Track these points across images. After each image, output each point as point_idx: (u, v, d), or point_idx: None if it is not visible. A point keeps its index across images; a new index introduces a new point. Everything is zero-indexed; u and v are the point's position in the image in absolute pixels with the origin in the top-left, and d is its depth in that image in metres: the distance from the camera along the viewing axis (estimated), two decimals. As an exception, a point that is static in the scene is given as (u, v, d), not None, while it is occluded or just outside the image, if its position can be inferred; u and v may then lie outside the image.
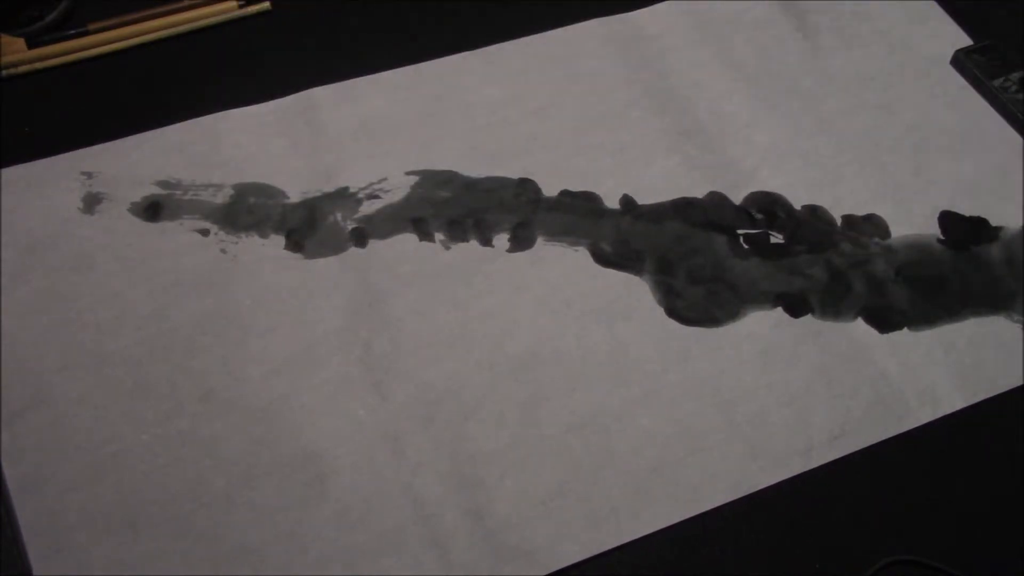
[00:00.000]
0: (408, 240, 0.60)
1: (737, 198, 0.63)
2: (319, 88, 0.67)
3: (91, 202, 0.61)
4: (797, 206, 0.63)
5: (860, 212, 0.63)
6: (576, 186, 0.63)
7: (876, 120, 0.68)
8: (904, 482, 0.53)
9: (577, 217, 0.62)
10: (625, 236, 0.61)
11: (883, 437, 0.54)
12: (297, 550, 0.49)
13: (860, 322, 0.58)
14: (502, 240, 0.61)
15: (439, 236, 0.61)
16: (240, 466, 0.52)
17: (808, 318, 0.58)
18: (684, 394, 0.55)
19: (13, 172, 0.62)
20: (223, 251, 0.59)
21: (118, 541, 0.49)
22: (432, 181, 0.63)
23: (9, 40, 0.67)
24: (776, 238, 0.62)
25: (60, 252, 0.59)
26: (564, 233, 0.61)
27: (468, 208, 0.62)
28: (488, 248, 0.60)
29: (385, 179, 0.63)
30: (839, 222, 0.63)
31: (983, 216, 0.63)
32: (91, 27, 0.69)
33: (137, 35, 0.69)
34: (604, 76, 0.69)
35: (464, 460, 0.52)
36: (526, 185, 0.63)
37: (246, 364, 0.55)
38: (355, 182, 0.63)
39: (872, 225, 0.62)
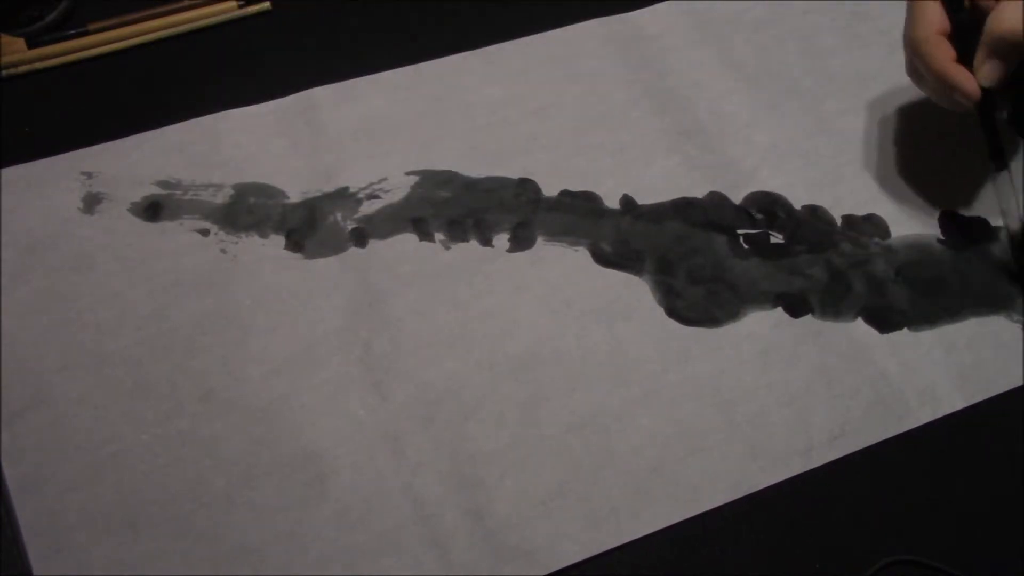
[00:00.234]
0: (408, 240, 0.60)
1: (737, 198, 0.63)
2: (319, 88, 0.67)
3: (91, 202, 0.61)
4: (797, 206, 0.63)
5: (860, 212, 0.63)
6: (576, 186, 0.63)
7: (876, 120, 0.68)
8: (904, 482, 0.53)
9: (577, 217, 0.62)
10: (625, 236, 0.61)
11: (883, 437, 0.54)
12: (297, 550, 0.49)
13: (860, 322, 0.58)
14: (502, 240, 0.61)
15: (439, 236, 0.61)
16: (240, 466, 0.52)
17: (808, 318, 0.58)
18: (684, 394, 0.55)
19: (13, 172, 0.62)
20: (223, 251, 0.59)
21: (118, 541, 0.49)
22: (432, 181, 0.63)
23: (9, 40, 0.67)
24: (776, 238, 0.62)
25: (60, 252, 0.59)
26: (564, 233, 0.61)
27: (468, 208, 0.62)
28: (488, 248, 0.60)
29: (385, 179, 0.63)
30: (839, 222, 0.63)
31: (983, 216, 0.63)
32: (91, 27, 0.69)
33: (137, 35, 0.69)
34: (604, 76, 0.69)
35: (464, 460, 0.52)
36: (526, 185, 0.63)
37: (246, 364, 0.55)
38: (355, 182, 0.63)
39: (872, 225, 0.62)
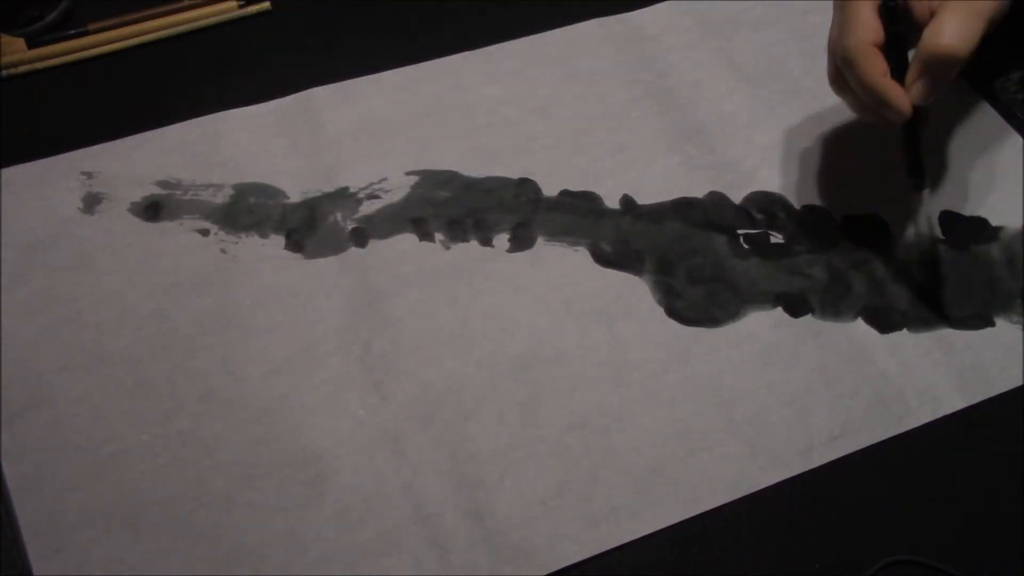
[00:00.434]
0: (408, 240, 0.60)
1: (737, 198, 0.63)
2: (319, 88, 0.67)
3: (91, 202, 0.61)
4: (797, 206, 0.63)
5: (860, 212, 0.63)
6: (576, 186, 0.63)
7: (876, 120, 0.67)
8: (904, 482, 0.53)
9: (577, 217, 0.62)
10: (625, 236, 0.61)
11: (883, 437, 0.54)
12: (297, 550, 0.49)
13: (860, 322, 0.58)
14: (502, 240, 0.61)
15: (439, 236, 0.61)
16: (240, 466, 0.52)
17: (808, 318, 0.58)
18: (684, 394, 0.55)
19: (13, 172, 0.62)
20: (223, 251, 0.59)
21: (118, 541, 0.49)
22: (432, 181, 0.63)
23: (9, 40, 0.67)
24: (776, 238, 0.62)
25: (60, 252, 0.59)
26: (564, 233, 0.61)
27: (468, 208, 0.62)
28: (488, 248, 0.60)
29: (385, 179, 0.63)
30: (839, 222, 0.62)
31: (983, 216, 0.63)
32: (91, 27, 0.69)
33: (137, 35, 0.69)
34: (604, 76, 0.69)
35: (464, 460, 0.52)
36: (526, 185, 0.63)
37: (246, 364, 0.55)
38: (355, 182, 0.63)
39: (872, 225, 0.62)
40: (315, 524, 0.50)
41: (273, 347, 0.56)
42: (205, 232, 0.60)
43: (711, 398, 0.55)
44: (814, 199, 0.63)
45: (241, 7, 0.71)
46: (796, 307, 0.59)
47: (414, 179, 0.63)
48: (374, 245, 0.60)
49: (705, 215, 0.62)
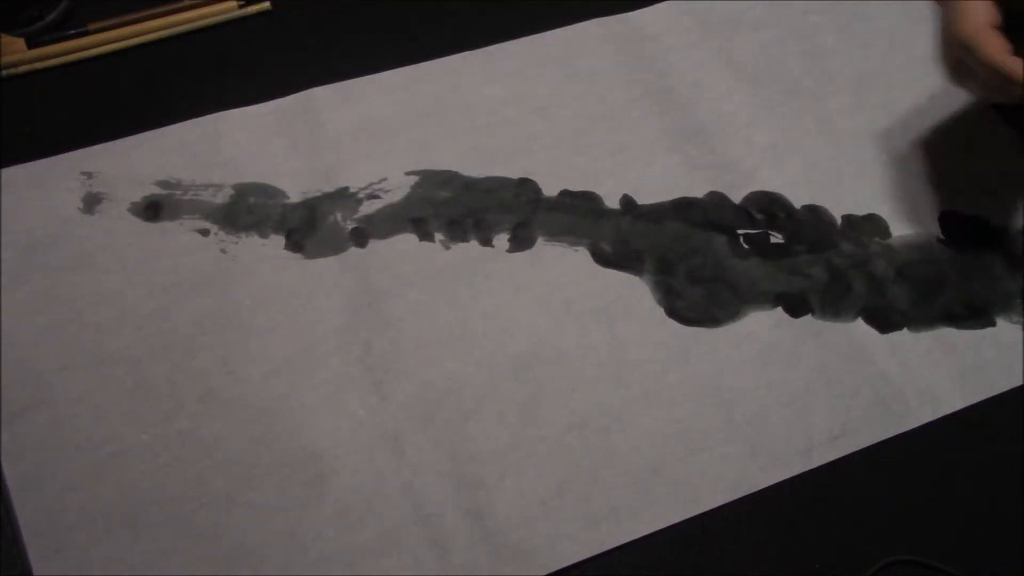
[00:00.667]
0: (408, 240, 0.60)
1: (737, 198, 0.63)
2: (319, 88, 0.67)
3: (91, 202, 0.61)
4: (797, 206, 0.63)
5: (860, 212, 0.63)
6: (576, 186, 0.63)
7: (876, 120, 0.68)
8: (904, 482, 0.53)
9: (577, 217, 0.62)
10: (625, 236, 0.61)
11: (883, 437, 0.54)
12: (297, 550, 0.49)
13: (860, 322, 0.58)
14: (502, 240, 0.61)
15: (439, 236, 0.61)
16: (240, 466, 0.52)
17: (808, 318, 0.58)
18: (684, 394, 0.55)
19: (13, 172, 0.62)
20: (223, 251, 0.59)
21: (118, 541, 0.49)
22: (432, 181, 0.63)
23: (9, 40, 0.67)
24: (776, 238, 0.62)
25: (60, 252, 0.59)
26: (564, 233, 0.61)
27: (468, 208, 0.62)
28: (488, 248, 0.60)
29: (385, 179, 0.63)
30: (839, 222, 0.63)
31: (983, 216, 0.63)
32: (91, 27, 0.69)
33: (137, 35, 0.69)
34: (604, 76, 0.69)
35: (464, 460, 0.52)
36: (526, 185, 0.63)
37: (246, 364, 0.55)
38: (355, 182, 0.63)
39: (872, 225, 0.62)
40: (315, 524, 0.50)
41: (273, 347, 0.56)
42: (205, 232, 0.60)
43: (711, 398, 0.55)
44: (814, 199, 0.63)
45: (241, 7, 0.71)
46: (796, 307, 0.59)
47: (414, 179, 0.63)
48: (374, 245, 0.60)
49: (705, 215, 0.62)
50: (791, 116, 0.68)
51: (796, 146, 0.66)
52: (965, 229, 0.63)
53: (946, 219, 0.63)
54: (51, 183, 0.61)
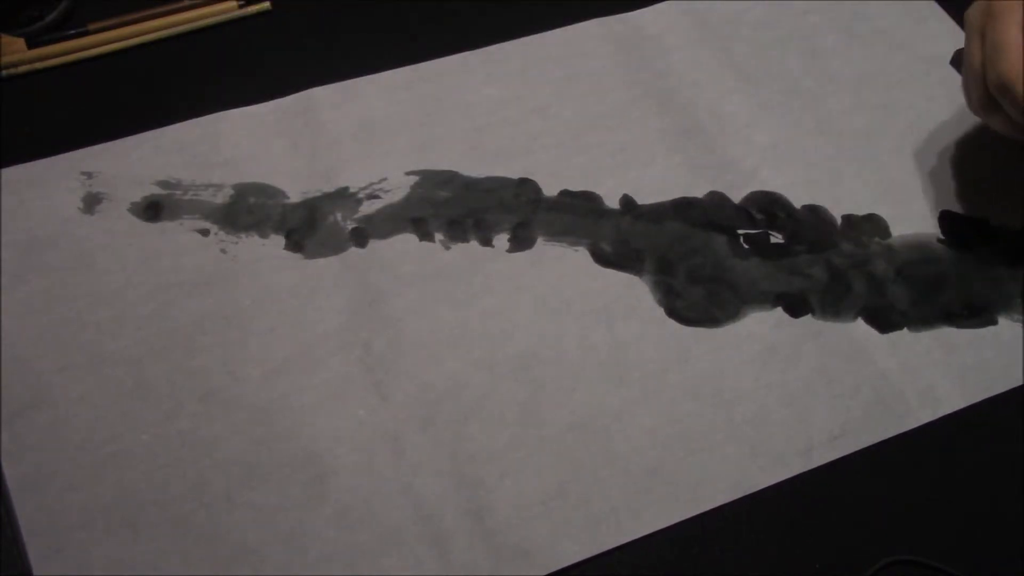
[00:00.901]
0: (408, 240, 0.60)
1: (737, 198, 0.63)
2: (319, 88, 0.67)
3: (91, 202, 0.61)
4: (797, 206, 0.63)
5: (860, 212, 0.63)
6: (576, 186, 0.63)
7: (876, 120, 0.68)
8: (904, 482, 0.53)
9: (577, 217, 0.62)
10: (625, 236, 0.61)
11: (883, 437, 0.54)
12: (297, 550, 0.49)
13: (860, 322, 0.58)
14: (502, 240, 0.61)
15: (439, 236, 0.61)
16: (240, 466, 0.52)
17: (808, 318, 0.58)
18: (684, 394, 0.55)
19: (13, 172, 0.62)
20: (223, 251, 0.59)
21: (118, 541, 0.49)
22: (432, 181, 0.63)
23: (9, 40, 0.67)
24: (776, 238, 0.62)
25: (60, 252, 0.59)
26: (564, 233, 0.61)
27: (468, 208, 0.62)
28: (488, 248, 0.60)
29: (385, 179, 0.63)
30: (839, 222, 0.63)
31: (983, 216, 0.63)
32: (91, 27, 0.69)
33: (137, 35, 0.69)
34: (604, 76, 0.69)
35: (464, 460, 0.52)
36: (526, 185, 0.63)
37: (246, 364, 0.55)
38: (355, 182, 0.63)
39: (872, 225, 0.62)
40: (315, 524, 0.50)
41: (273, 347, 0.56)
42: (205, 232, 0.60)
43: (711, 398, 0.55)
44: (814, 199, 0.63)
45: (241, 7, 0.71)
46: (796, 307, 0.59)
47: (414, 179, 0.63)
48: (374, 245, 0.60)
49: (705, 215, 0.62)
50: (791, 116, 0.68)
51: (796, 146, 0.66)
52: (965, 229, 0.63)
53: (946, 219, 0.63)
54: (51, 183, 0.61)
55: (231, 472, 0.51)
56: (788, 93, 0.69)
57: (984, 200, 0.64)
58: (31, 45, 0.68)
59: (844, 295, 0.59)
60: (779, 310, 0.59)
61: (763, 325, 0.58)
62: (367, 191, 0.62)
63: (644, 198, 0.63)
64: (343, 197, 0.62)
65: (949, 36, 0.72)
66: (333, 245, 0.60)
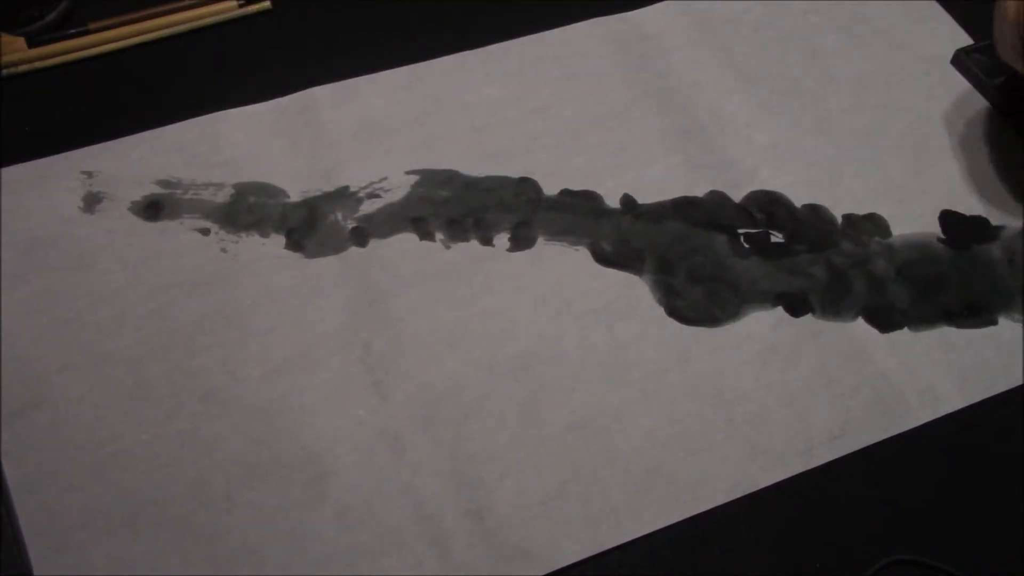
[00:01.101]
0: (408, 240, 0.60)
1: (737, 197, 0.63)
2: (319, 88, 0.67)
3: (91, 201, 0.61)
4: (797, 205, 0.63)
5: (860, 212, 0.63)
6: (576, 185, 0.63)
7: (876, 120, 0.68)
8: (904, 482, 0.53)
9: (577, 216, 0.62)
10: (625, 235, 0.61)
11: (883, 437, 0.54)
12: (297, 550, 0.49)
13: (860, 322, 0.58)
14: (502, 240, 0.61)
15: (439, 236, 0.61)
16: (240, 466, 0.52)
17: (808, 318, 0.58)
18: (684, 394, 0.55)
19: (13, 172, 0.62)
20: (223, 250, 0.59)
21: (118, 541, 0.49)
22: (432, 180, 0.63)
23: (9, 39, 0.67)
24: (776, 237, 0.62)
25: (60, 252, 0.59)
26: (564, 232, 0.61)
27: (468, 207, 0.62)
28: (488, 248, 0.60)
29: (385, 178, 0.63)
30: (839, 221, 0.63)
31: (983, 216, 0.63)
32: (91, 26, 0.69)
33: (137, 35, 0.69)
34: (604, 76, 0.69)
35: (464, 460, 0.52)
36: (526, 184, 0.63)
37: (246, 364, 0.55)
38: (355, 181, 0.63)
39: (872, 224, 0.62)
40: (315, 524, 0.50)
41: (273, 347, 0.56)
42: (205, 231, 0.60)
43: (711, 398, 0.55)
44: (814, 199, 0.63)
45: (241, 7, 0.71)
46: (796, 307, 0.59)
47: (414, 178, 0.63)
48: (374, 244, 0.60)
49: (705, 214, 0.62)
50: (791, 116, 0.68)
51: (796, 146, 0.66)
52: (965, 229, 0.63)
53: (946, 219, 0.63)
54: (51, 182, 0.61)
55: (231, 472, 0.51)
56: (788, 93, 0.69)
57: (984, 200, 0.64)
58: (31, 44, 0.67)
59: (844, 294, 0.59)
60: (779, 310, 0.59)
61: (763, 325, 0.58)
62: (367, 190, 0.62)
63: (644, 198, 0.63)
64: (343, 196, 0.62)
65: (949, 36, 0.72)
66: (333, 244, 0.60)
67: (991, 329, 0.58)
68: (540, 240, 0.61)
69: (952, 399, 0.56)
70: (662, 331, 0.57)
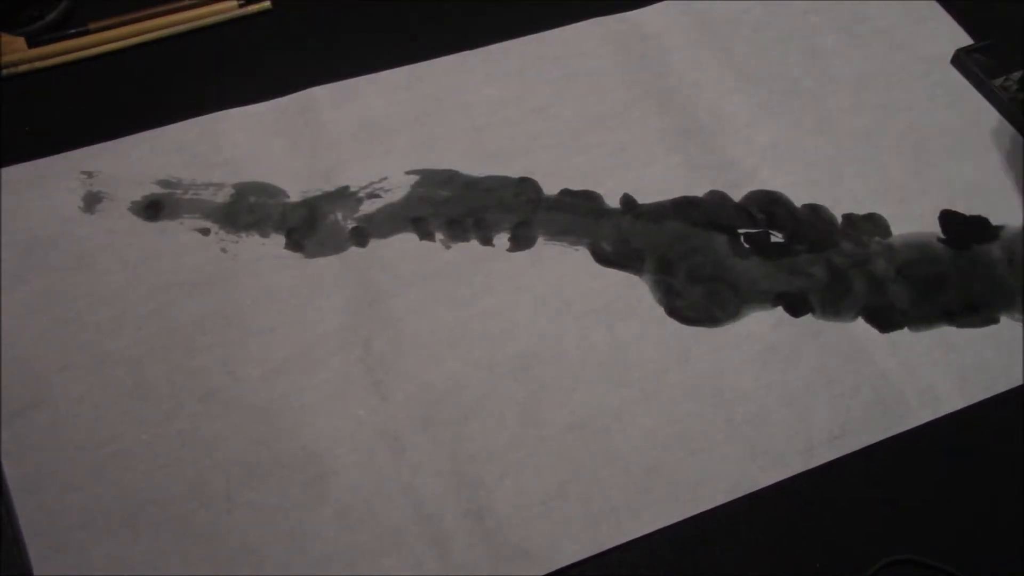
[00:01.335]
0: (408, 239, 0.60)
1: (737, 197, 0.63)
2: (319, 88, 0.67)
3: (91, 201, 0.61)
4: (798, 205, 0.63)
5: (860, 212, 0.63)
6: (576, 185, 0.63)
7: (876, 120, 0.68)
8: (904, 482, 0.53)
9: (577, 216, 0.62)
10: (625, 235, 0.61)
11: (883, 437, 0.54)
12: (297, 550, 0.49)
13: (860, 322, 0.58)
14: (502, 240, 0.61)
15: (439, 236, 0.61)
16: (240, 466, 0.52)
17: (808, 318, 0.58)
18: (684, 394, 0.55)
19: (13, 172, 0.62)
20: (223, 250, 0.59)
21: (118, 541, 0.49)
22: (432, 180, 0.63)
23: (9, 39, 0.67)
24: (776, 237, 0.62)
25: (60, 252, 0.59)
26: (564, 232, 0.61)
27: (468, 207, 0.62)
28: (488, 248, 0.60)
29: (385, 178, 0.63)
30: (839, 221, 0.63)
31: (983, 216, 0.63)
32: (91, 26, 0.69)
33: (137, 35, 0.69)
34: (604, 76, 0.69)
35: (464, 460, 0.52)
36: (526, 184, 0.63)
37: (246, 364, 0.55)
38: (355, 181, 0.63)
39: (872, 224, 0.62)
40: (315, 524, 0.50)
41: (273, 347, 0.56)
42: (205, 231, 0.60)
43: (711, 398, 0.55)
44: (814, 199, 0.63)
45: (241, 7, 0.71)
46: (796, 306, 0.59)
47: (414, 178, 0.63)
48: (374, 244, 0.60)
49: (705, 214, 0.62)
50: (791, 116, 0.68)
51: (796, 146, 0.66)
52: (965, 229, 0.63)
53: (946, 219, 0.63)
54: (51, 182, 0.61)
55: (231, 472, 0.51)
56: (788, 93, 0.69)
57: (984, 200, 0.64)
58: (31, 44, 0.67)
59: (844, 294, 0.59)
60: (779, 309, 0.59)
61: (763, 325, 0.58)
62: (367, 190, 0.62)
63: (644, 197, 0.63)
64: (343, 196, 0.62)
65: (949, 36, 0.72)
66: (333, 244, 0.60)
67: (991, 329, 0.58)
68: (540, 240, 0.61)
69: (952, 399, 0.56)
70: (662, 331, 0.57)
